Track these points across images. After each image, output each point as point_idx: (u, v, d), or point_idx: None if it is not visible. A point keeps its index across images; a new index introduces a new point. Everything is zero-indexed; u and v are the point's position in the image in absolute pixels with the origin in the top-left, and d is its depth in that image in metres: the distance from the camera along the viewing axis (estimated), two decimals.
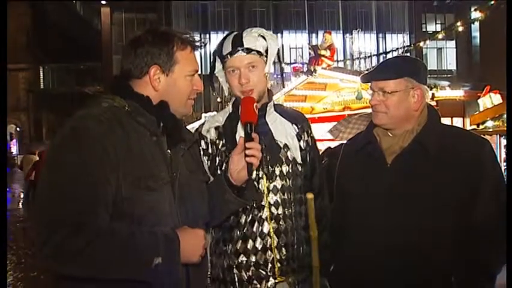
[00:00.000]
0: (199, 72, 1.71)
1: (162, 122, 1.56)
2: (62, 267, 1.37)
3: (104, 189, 1.39)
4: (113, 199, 1.41)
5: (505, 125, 7.41)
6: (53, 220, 1.34)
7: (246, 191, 1.77)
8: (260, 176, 1.96)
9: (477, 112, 9.50)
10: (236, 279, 1.94)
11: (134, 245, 1.38)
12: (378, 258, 1.83)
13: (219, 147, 2.00)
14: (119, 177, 1.41)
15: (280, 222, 1.96)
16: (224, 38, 2.00)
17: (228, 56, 1.94)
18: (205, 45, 1.74)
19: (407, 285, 1.81)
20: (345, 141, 2.39)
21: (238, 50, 1.92)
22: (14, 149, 26.85)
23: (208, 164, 1.99)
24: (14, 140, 27.07)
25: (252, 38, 1.95)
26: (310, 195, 1.90)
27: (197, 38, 1.69)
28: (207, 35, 28.63)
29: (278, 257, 1.94)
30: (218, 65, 2.03)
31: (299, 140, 2.06)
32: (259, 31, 1.99)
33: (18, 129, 26.94)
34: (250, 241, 1.93)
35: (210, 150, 2.01)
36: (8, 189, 12.57)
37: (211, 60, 2.07)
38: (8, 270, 6.21)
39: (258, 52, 1.95)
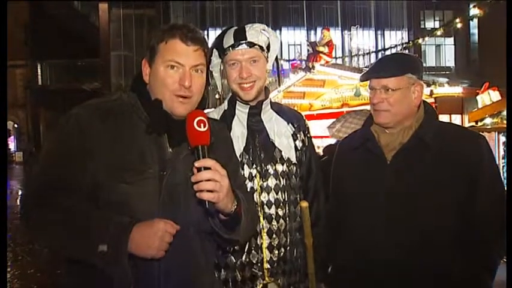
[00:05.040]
0: None
1: (153, 120, 1.53)
2: (31, 235, 1.53)
3: (74, 175, 1.45)
4: (92, 186, 1.45)
5: (504, 122, 7.39)
6: (27, 191, 1.56)
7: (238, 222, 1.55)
8: (254, 174, 1.94)
9: (476, 109, 9.47)
10: (229, 278, 1.92)
11: (86, 228, 1.39)
12: (379, 257, 1.82)
13: None
14: (95, 164, 1.45)
15: (273, 222, 1.94)
16: (224, 32, 1.99)
17: (230, 48, 1.93)
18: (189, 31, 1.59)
19: (409, 284, 1.80)
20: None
21: (241, 43, 1.91)
22: (11, 145, 26.82)
23: None
24: (12, 137, 27.02)
25: (255, 32, 1.94)
26: (304, 204, 1.87)
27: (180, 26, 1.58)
28: (206, 32, 28.57)
29: (268, 257, 1.93)
30: (214, 59, 2.01)
31: (295, 140, 2.04)
32: (262, 26, 1.98)
33: (15, 125, 26.88)
34: None
35: None
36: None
37: (208, 54, 2.04)
38: None
39: (260, 47, 1.94)
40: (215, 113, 2.07)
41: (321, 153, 7.00)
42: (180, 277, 1.51)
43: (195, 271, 1.57)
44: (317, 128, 11.16)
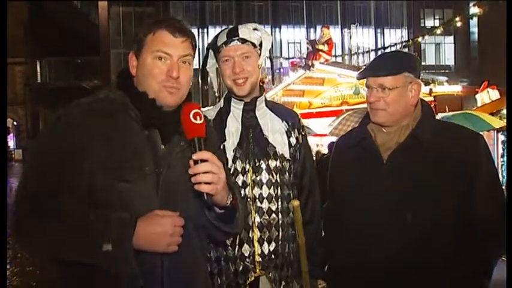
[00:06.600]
0: (195, 66, 1.65)
1: (144, 114, 1.51)
2: (22, 243, 1.46)
3: (71, 175, 1.41)
4: (89, 187, 1.41)
5: (503, 120, 7.41)
6: (19, 198, 1.44)
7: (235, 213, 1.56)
8: (247, 169, 1.98)
9: (475, 107, 9.49)
10: (222, 271, 1.96)
11: (86, 229, 1.36)
12: (376, 256, 1.82)
13: None
14: (92, 165, 1.41)
15: (264, 216, 1.97)
16: (218, 33, 2.05)
17: (223, 45, 1.98)
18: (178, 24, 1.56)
19: (405, 283, 1.79)
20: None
21: (233, 40, 1.97)
22: (11, 143, 26.80)
23: None
24: (11, 135, 27.00)
25: (247, 30, 2.00)
26: (295, 203, 1.89)
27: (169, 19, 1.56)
28: (205, 30, 28.57)
29: (259, 251, 1.95)
30: (210, 59, 2.08)
31: (289, 137, 2.08)
32: (254, 25, 2.04)
33: (15, 123, 26.86)
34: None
35: None
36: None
37: (204, 55, 2.10)
38: None
39: (252, 44, 1.99)
40: (212, 111, 2.11)
41: (326, 150, 7.03)
42: (182, 274, 1.51)
43: (195, 266, 1.58)
44: (316, 126, 11.17)
